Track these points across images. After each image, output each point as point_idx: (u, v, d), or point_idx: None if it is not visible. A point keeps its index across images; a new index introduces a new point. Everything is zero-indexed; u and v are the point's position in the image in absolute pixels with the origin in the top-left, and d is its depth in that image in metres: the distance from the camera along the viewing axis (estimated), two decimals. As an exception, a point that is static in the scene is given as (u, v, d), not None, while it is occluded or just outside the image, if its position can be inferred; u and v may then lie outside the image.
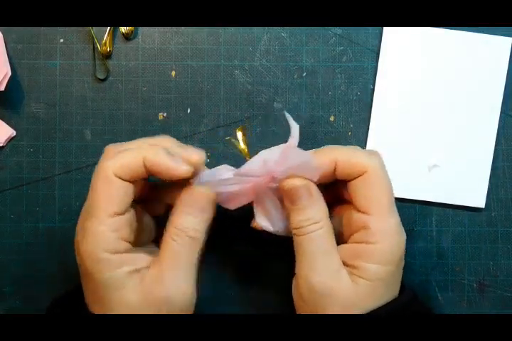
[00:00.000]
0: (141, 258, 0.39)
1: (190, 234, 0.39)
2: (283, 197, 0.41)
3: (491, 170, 0.50)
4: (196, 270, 0.40)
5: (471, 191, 0.50)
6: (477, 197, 0.50)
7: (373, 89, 0.50)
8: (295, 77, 0.50)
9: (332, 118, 0.50)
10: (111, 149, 0.41)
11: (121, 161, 0.39)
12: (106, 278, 0.38)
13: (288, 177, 0.41)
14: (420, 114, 0.50)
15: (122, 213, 0.39)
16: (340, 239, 0.42)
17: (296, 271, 0.41)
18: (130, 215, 0.40)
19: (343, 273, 0.40)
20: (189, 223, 0.39)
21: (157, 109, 0.50)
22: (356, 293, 0.39)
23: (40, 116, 0.50)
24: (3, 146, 0.50)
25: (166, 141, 0.41)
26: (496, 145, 0.50)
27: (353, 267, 0.40)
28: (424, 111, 0.50)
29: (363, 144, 0.50)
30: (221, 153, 0.50)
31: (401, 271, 0.42)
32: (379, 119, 0.50)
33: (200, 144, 0.50)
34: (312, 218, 0.40)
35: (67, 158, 0.50)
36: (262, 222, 0.43)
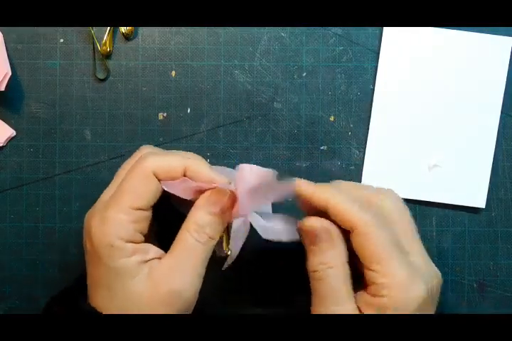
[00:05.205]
0: (153, 250, 0.40)
1: (209, 233, 0.40)
2: (301, 236, 0.41)
3: (491, 170, 0.50)
4: (204, 269, 0.40)
5: (471, 191, 0.50)
6: (477, 197, 0.50)
7: (373, 89, 0.50)
8: (295, 77, 0.50)
9: (332, 119, 0.50)
10: (147, 149, 0.43)
11: (164, 163, 0.40)
12: (117, 265, 0.38)
13: (307, 217, 0.40)
14: (420, 114, 0.50)
15: (146, 209, 0.40)
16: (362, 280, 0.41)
17: (312, 307, 0.40)
18: (150, 214, 0.41)
19: None
20: (210, 222, 0.40)
21: (157, 109, 0.50)
22: None
23: (40, 116, 0.50)
24: (3, 146, 0.50)
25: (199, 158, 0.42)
26: (496, 146, 0.50)
27: None
28: (424, 111, 0.50)
29: (363, 144, 0.50)
30: (221, 153, 0.50)
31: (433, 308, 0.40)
32: (379, 119, 0.50)
33: (200, 144, 0.50)
34: (329, 262, 0.39)
35: (67, 158, 0.50)
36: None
